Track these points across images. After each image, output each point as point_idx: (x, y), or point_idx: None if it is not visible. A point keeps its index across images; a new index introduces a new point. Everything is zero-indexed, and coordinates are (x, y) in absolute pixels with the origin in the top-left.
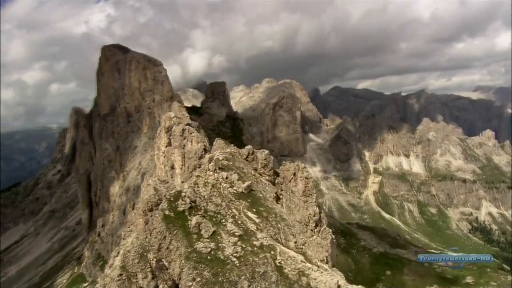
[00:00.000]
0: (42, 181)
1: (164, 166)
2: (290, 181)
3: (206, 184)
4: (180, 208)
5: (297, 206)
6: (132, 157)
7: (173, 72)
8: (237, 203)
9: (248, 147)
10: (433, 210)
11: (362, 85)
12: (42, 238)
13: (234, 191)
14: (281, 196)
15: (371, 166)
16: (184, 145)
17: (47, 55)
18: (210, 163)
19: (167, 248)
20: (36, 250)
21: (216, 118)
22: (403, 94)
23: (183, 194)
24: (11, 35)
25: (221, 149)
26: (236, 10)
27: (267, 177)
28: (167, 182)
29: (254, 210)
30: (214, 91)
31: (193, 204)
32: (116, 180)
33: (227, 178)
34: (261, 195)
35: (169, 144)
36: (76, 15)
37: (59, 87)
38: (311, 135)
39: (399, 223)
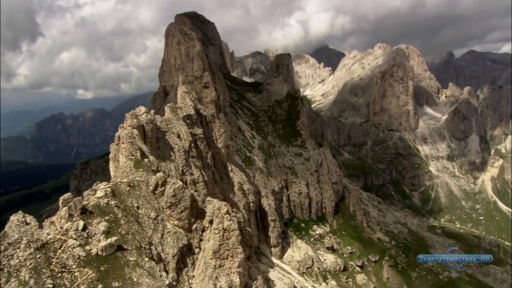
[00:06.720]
0: None
1: None
2: (207, 231)
3: (30, 243)
4: None
5: (201, 274)
6: None
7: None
8: (76, 274)
9: (159, 174)
10: None
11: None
12: None
13: (84, 253)
14: (196, 251)
15: (492, 147)
16: (118, 159)
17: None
18: (64, 206)
19: None
20: None
21: (274, 96)
22: None
23: None
24: (137, 1)
25: (125, 175)
26: None
27: (176, 222)
28: (28, 224)
29: (101, 286)
30: (279, 64)
31: None
32: None
33: (83, 230)
34: (132, 259)
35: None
36: None
37: None
38: (426, 108)
39: None
